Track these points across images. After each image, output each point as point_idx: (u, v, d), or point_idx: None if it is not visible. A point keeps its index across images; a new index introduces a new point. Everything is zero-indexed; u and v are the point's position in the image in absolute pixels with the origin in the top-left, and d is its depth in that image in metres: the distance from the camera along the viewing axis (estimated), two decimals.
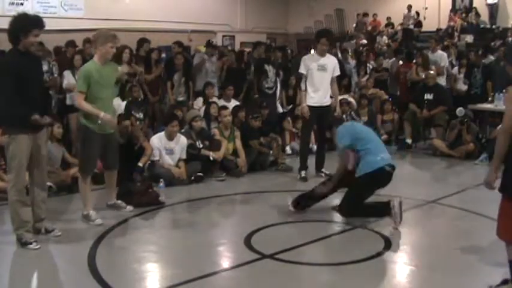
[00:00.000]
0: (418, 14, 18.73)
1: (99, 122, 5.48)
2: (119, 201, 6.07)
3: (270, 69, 9.81)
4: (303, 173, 7.59)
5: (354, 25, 19.31)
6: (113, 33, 5.74)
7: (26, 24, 4.80)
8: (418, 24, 18.44)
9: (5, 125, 4.92)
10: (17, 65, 4.81)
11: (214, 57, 10.30)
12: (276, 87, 9.95)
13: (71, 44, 10.08)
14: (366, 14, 19.14)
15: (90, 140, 5.57)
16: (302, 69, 7.51)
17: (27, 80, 4.83)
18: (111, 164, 5.90)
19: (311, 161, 7.76)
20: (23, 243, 4.88)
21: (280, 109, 10.13)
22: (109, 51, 5.61)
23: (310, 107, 7.45)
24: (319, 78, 7.43)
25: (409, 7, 18.69)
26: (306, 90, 7.48)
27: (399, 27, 18.65)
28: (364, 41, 17.19)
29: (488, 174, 3.93)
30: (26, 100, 4.82)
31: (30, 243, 4.87)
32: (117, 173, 6.00)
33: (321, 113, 7.48)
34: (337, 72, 7.67)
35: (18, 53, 4.85)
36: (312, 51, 8.15)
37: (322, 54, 7.48)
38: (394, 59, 12.00)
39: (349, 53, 12.82)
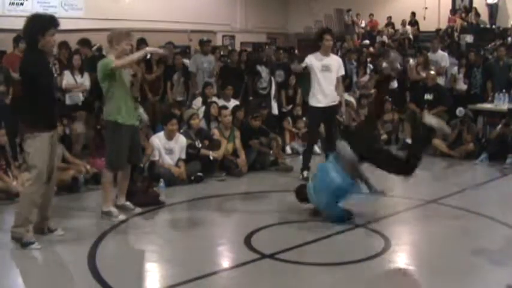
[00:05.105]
0: (414, 14, 18.68)
1: (148, 56, 5.40)
2: (128, 203, 6.03)
3: (263, 70, 9.75)
4: (305, 173, 7.52)
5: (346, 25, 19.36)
6: (127, 31, 5.75)
7: (42, 24, 4.84)
8: (415, 23, 18.46)
9: (28, 124, 4.89)
10: (37, 64, 4.86)
11: (210, 56, 10.14)
12: (271, 88, 9.88)
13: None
14: (339, 10, 18.96)
15: (119, 134, 5.56)
16: (304, 63, 7.34)
17: (46, 79, 4.92)
18: (135, 158, 5.90)
19: (313, 161, 7.73)
20: (23, 244, 4.86)
21: (275, 110, 9.99)
22: (125, 50, 5.62)
23: (317, 108, 7.39)
24: (324, 80, 7.30)
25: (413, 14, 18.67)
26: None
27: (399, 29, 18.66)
28: (367, 41, 17.19)
29: None
30: (47, 99, 4.90)
31: (31, 243, 4.85)
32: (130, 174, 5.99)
33: (328, 113, 7.40)
34: (342, 72, 7.56)
35: (36, 53, 4.89)
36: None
37: (326, 52, 7.35)
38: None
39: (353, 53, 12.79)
